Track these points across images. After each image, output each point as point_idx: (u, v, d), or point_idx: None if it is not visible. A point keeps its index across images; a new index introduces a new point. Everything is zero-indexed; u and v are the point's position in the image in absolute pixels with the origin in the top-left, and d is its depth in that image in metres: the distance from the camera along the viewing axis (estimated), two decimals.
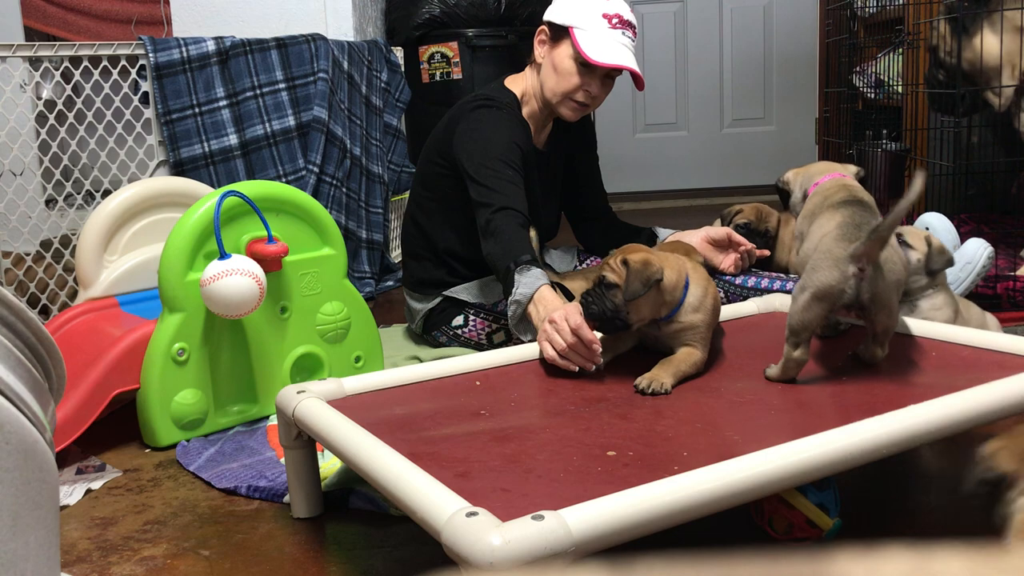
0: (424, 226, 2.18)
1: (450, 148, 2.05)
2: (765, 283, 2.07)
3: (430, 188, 2.16)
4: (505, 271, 1.76)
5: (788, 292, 1.95)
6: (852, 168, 1.55)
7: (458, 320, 2.15)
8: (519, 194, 1.90)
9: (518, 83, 2.14)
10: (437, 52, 3.61)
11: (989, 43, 2.40)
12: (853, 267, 1.26)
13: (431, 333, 2.21)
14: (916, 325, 1.57)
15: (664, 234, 2.26)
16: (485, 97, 2.09)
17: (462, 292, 2.14)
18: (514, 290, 1.71)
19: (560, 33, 2.03)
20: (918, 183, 1.24)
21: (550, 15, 2.06)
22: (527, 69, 2.15)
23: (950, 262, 1.84)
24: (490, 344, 2.12)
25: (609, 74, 2.05)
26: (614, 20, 2.01)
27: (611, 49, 1.98)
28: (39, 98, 2.94)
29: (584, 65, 2.00)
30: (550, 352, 1.47)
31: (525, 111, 2.11)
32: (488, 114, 2.04)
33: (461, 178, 2.01)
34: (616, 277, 1.41)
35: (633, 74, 2.01)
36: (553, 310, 1.54)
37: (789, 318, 1.31)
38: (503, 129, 2.00)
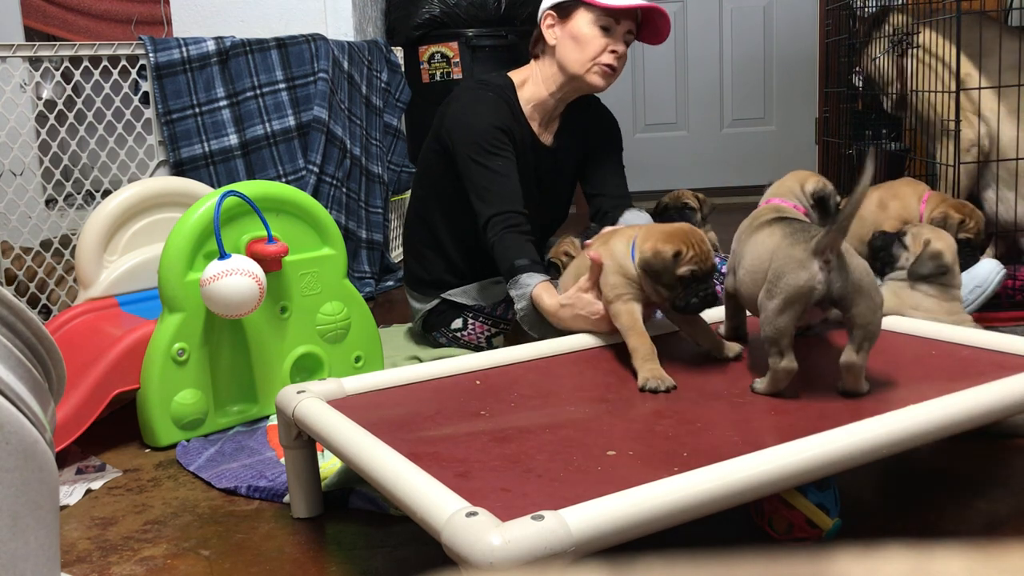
0: (426, 219, 2.17)
1: (442, 129, 2.06)
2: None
3: (430, 177, 2.15)
4: (504, 276, 1.89)
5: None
6: (812, 183, 1.56)
7: (457, 323, 2.15)
8: (508, 186, 1.93)
9: (519, 74, 2.13)
10: (437, 52, 3.61)
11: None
12: (818, 261, 1.25)
13: (431, 333, 2.21)
14: (916, 325, 1.57)
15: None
16: (479, 81, 2.10)
17: (460, 295, 2.14)
18: (516, 304, 1.85)
19: (569, 7, 2.02)
20: (868, 170, 1.24)
21: None
22: (532, 63, 2.12)
23: (941, 269, 1.86)
24: (489, 348, 2.12)
25: (626, 35, 2.03)
26: None
27: None
28: (39, 98, 2.94)
29: (604, 28, 1.99)
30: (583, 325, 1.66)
31: (528, 101, 2.09)
32: (475, 95, 2.04)
33: (455, 163, 2.02)
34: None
35: (659, 14, 2.00)
36: (558, 308, 1.72)
37: (763, 329, 1.29)
38: (487, 114, 2.00)
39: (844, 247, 1.28)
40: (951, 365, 1.39)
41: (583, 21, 2.00)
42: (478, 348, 2.13)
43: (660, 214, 2.48)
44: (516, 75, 2.12)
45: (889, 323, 1.59)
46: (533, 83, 2.09)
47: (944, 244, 1.90)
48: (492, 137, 1.97)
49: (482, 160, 1.95)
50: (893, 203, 2.40)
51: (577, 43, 2.01)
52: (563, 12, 2.03)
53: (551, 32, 2.05)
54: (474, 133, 1.98)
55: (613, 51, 2.01)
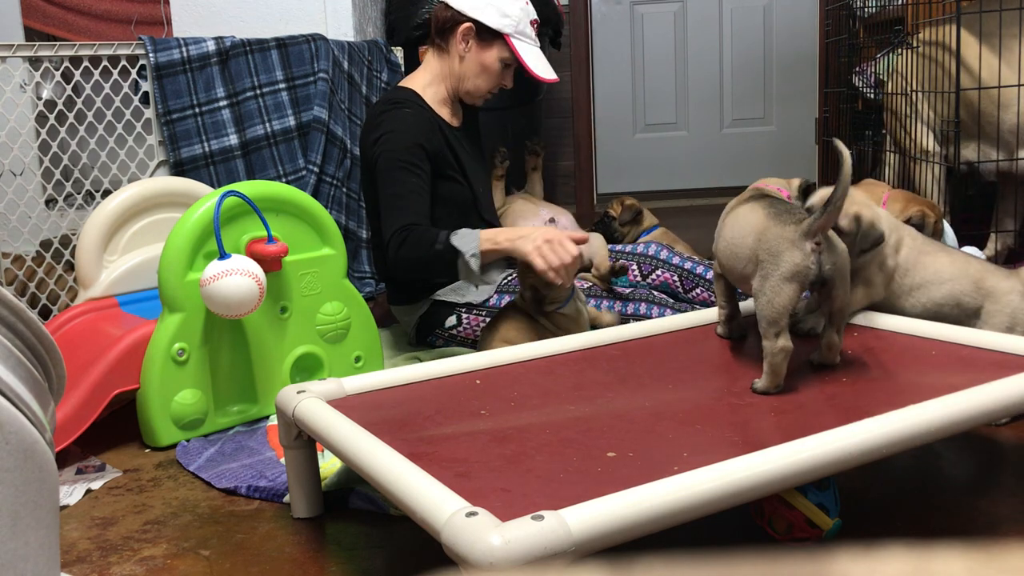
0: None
1: (370, 154, 2.12)
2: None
3: (375, 205, 2.19)
4: (439, 251, 1.88)
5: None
6: (795, 182, 1.61)
7: (451, 320, 2.15)
8: (421, 203, 2.01)
9: (416, 79, 2.22)
10: None
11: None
12: (810, 243, 1.30)
13: (426, 339, 2.21)
14: (916, 325, 1.56)
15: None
16: (390, 102, 2.17)
17: (449, 294, 2.15)
18: (463, 251, 1.84)
19: (492, 36, 2.13)
20: (846, 156, 1.29)
21: (479, 15, 2.11)
22: (434, 58, 2.21)
23: (879, 239, 1.69)
24: None
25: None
26: (535, 25, 2.17)
27: (543, 61, 2.17)
28: (39, 98, 2.94)
29: (507, 64, 2.15)
30: (543, 265, 1.74)
31: (434, 98, 2.19)
32: (396, 115, 2.11)
33: (375, 177, 2.10)
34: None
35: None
36: (517, 236, 1.78)
37: (762, 311, 1.33)
38: (405, 131, 2.07)
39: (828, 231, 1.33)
40: (951, 365, 1.38)
41: (495, 55, 2.14)
42: (476, 342, 2.14)
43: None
44: (413, 83, 2.22)
45: (889, 323, 1.59)
46: (435, 83, 2.21)
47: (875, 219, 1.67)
48: (411, 154, 2.05)
49: (399, 174, 2.03)
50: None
51: (483, 72, 2.16)
52: (485, 36, 2.13)
53: (463, 45, 2.15)
54: (398, 148, 2.05)
55: (504, 84, 2.20)
